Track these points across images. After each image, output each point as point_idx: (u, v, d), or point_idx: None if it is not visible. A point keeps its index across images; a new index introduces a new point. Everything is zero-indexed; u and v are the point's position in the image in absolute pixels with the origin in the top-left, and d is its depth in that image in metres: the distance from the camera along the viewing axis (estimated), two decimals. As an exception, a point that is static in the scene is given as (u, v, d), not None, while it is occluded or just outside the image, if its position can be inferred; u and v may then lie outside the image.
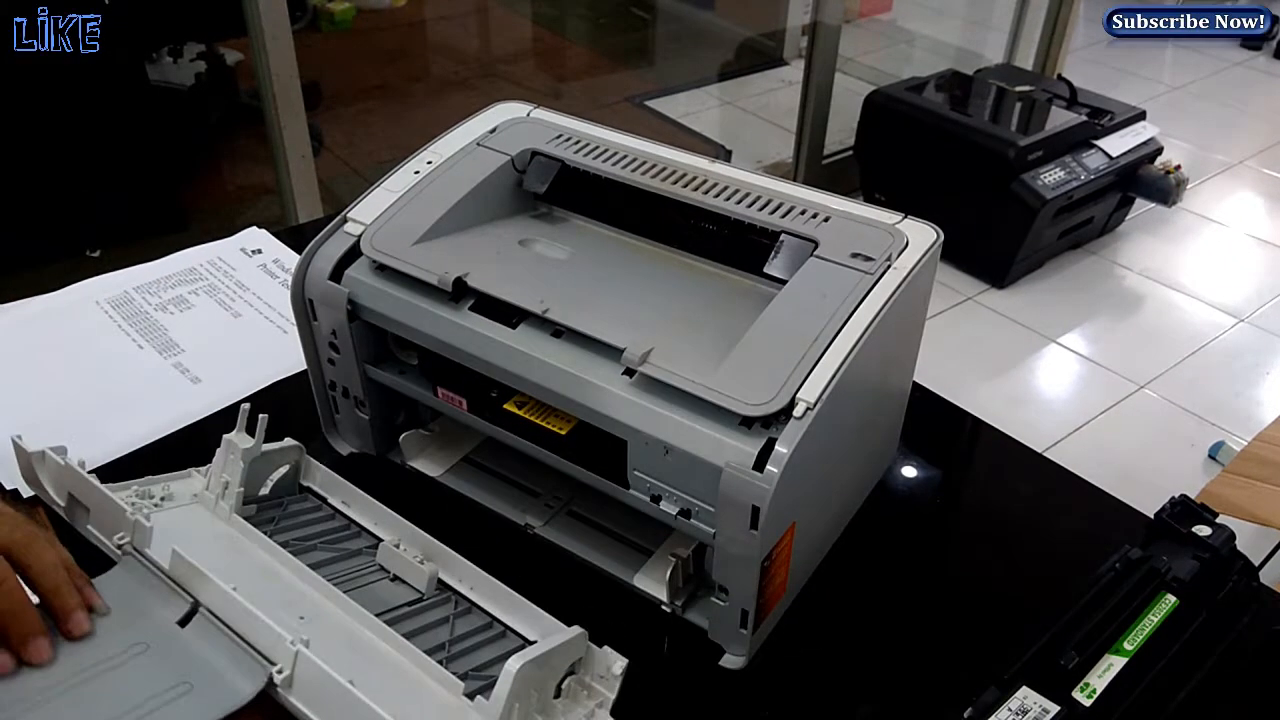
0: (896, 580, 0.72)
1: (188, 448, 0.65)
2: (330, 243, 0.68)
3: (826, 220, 0.65)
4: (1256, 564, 0.67)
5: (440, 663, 0.51)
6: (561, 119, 0.78)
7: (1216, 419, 2.07)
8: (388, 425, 0.76)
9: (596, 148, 0.72)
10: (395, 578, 0.61)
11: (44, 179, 2.14)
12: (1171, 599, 0.62)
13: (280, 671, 0.47)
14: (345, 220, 0.69)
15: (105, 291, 0.95)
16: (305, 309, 0.70)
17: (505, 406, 0.65)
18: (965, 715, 0.55)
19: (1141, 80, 3.63)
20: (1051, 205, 2.29)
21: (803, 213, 0.66)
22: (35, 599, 0.50)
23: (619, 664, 0.52)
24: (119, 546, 0.54)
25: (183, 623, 0.51)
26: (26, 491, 0.72)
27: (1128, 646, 0.59)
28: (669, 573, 0.64)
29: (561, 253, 0.68)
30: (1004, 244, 2.39)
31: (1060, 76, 2.80)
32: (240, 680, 0.48)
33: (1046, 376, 2.23)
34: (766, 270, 0.65)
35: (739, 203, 0.67)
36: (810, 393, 0.55)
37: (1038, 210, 2.28)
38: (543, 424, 0.64)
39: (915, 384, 0.76)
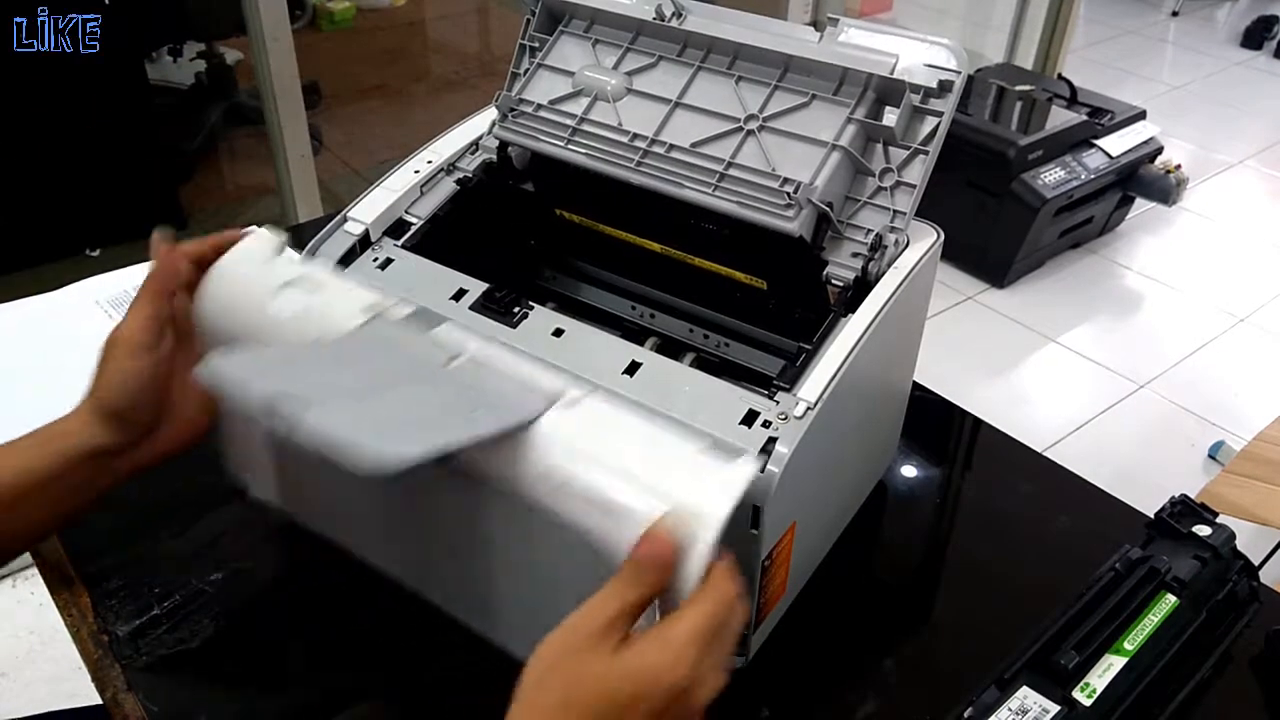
0: (896, 580, 0.72)
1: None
2: (330, 242, 0.68)
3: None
4: (1256, 564, 0.67)
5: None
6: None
7: (1216, 419, 2.07)
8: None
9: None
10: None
11: (44, 178, 2.14)
12: (1171, 599, 0.62)
13: (564, 392, 0.49)
14: (345, 220, 0.69)
15: (105, 291, 0.95)
16: (305, 309, 0.70)
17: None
18: (965, 715, 0.55)
19: (1141, 80, 3.63)
20: (1051, 205, 2.29)
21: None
22: None
23: None
24: (369, 308, 0.55)
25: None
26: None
27: (1128, 646, 0.59)
28: (669, 572, 0.63)
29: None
30: (1004, 244, 2.39)
31: (1060, 76, 2.80)
32: (529, 399, 0.49)
33: (1047, 376, 2.23)
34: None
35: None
36: (810, 392, 0.55)
37: (1038, 210, 2.28)
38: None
39: (915, 384, 0.76)
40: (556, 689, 0.43)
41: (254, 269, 0.59)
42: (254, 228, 0.95)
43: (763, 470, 0.53)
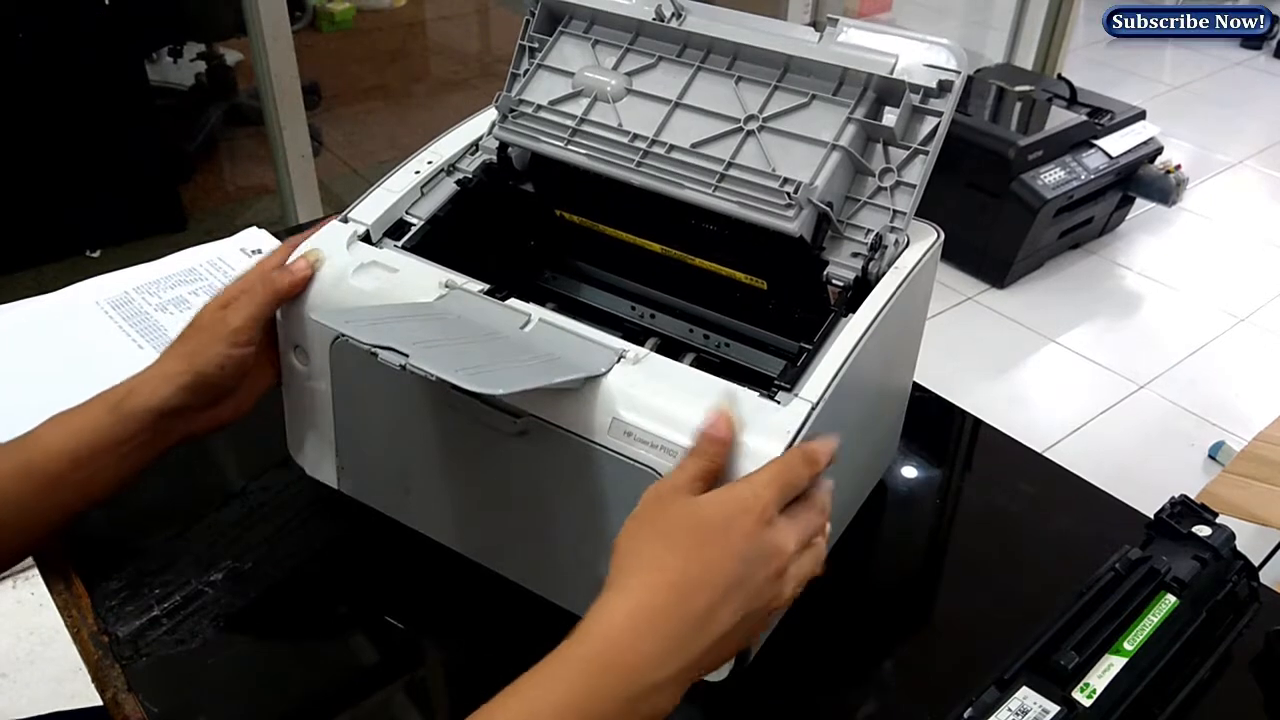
0: (896, 580, 0.72)
1: (187, 448, 0.65)
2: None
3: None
4: (1256, 564, 0.67)
5: None
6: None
7: (1216, 419, 2.07)
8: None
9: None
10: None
11: (44, 179, 2.14)
12: (1171, 599, 0.62)
13: (625, 355, 0.55)
14: (345, 220, 0.69)
15: (105, 291, 0.95)
16: (305, 309, 0.70)
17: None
18: (965, 715, 0.55)
19: (1141, 80, 3.63)
20: (1051, 205, 2.29)
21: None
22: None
23: None
24: (444, 284, 0.61)
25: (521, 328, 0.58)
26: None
27: (1128, 646, 0.59)
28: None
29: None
30: (1004, 244, 2.39)
31: (1060, 76, 2.80)
32: (598, 354, 0.55)
33: (1046, 376, 2.23)
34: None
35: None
36: (811, 392, 0.55)
37: (1038, 210, 2.28)
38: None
39: (915, 384, 0.76)
40: (650, 533, 0.48)
41: (334, 251, 0.64)
42: (254, 229, 0.95)
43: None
